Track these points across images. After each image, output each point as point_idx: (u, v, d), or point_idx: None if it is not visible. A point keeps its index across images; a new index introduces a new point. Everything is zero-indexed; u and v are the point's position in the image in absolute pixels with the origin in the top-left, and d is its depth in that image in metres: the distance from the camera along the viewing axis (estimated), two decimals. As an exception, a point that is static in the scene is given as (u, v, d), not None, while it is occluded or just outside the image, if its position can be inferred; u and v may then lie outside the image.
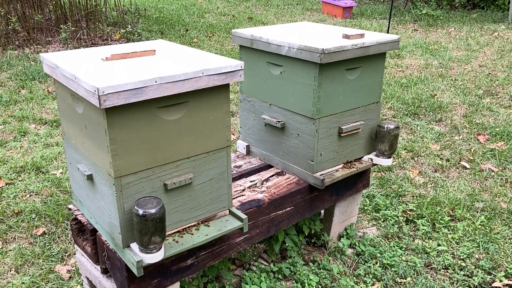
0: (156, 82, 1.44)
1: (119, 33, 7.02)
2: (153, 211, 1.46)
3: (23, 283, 2.31)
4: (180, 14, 9.10)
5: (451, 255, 2.54)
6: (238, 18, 9.03)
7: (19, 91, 4.98)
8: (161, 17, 8.66)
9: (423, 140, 3.92)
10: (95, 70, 1.52)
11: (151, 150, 1.54)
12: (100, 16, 7.47)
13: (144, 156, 1.52)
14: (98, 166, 1.57)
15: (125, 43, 6.76)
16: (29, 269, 2.42)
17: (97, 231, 1.78)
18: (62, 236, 2.67)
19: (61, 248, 2.57)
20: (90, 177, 1.66)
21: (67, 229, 2.72)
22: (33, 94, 4.85)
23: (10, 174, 3.29)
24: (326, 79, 2.01)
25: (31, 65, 5.75)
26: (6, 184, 3.17)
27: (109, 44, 6.77)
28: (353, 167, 2.25)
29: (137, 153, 1.50)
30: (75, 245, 2.03)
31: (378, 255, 2.51)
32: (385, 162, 2.30)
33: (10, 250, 2.55)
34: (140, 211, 1.46)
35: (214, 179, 1.74)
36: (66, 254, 2.53)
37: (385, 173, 3.40)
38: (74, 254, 2.53)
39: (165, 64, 1.60)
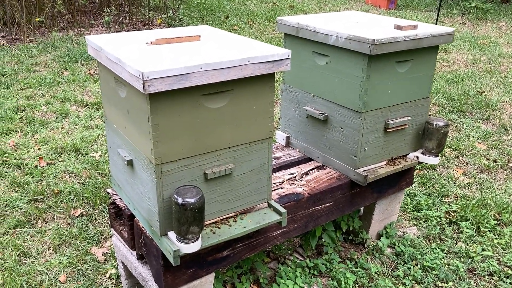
0: (201, 68, 1.39)
1: (161, 18, 7.04)
2: (192, 200, 1.43)
3: (60, 262, 2.35)
4: (221, 0, 9.06)
5: (497, 261, 2.41)
6: (279, 6, 8.91)
7: (62, 72, 5.06)
8: (202, 3, 8.64)
9: (469, 138, 3.75)
10: (140, 54, 1.49)
11: (193, 138, 1.50)
12: (142, 1, 7.51)
13: (185, 144, 1.49)
14: (139, 152, 1.55)
15: (166, 28, 6.78)
16: (66, 250, 2.45)
17: (135, 217, 1.77)
18: (99, 219, 2.69)
19: (97, 230, 2.60)
20: (130, 163, 1.64)
21: (104, 212, 2.74)
22: (75, 76, 4.93)
23: (51, 155, 3.35)
24: (374, 71, 1.92)
25: (74, 48, 5.85)
26: (47, 164, 3.22)
27: (150, 29, 6.81)
28: (398, 164, 2.16)
29: (178, 141, 1.47)
30: (111, 229, 2.03)
31: (419, 256, 2.41)
32: (432, 160, 2.19)
33: (49, 230, 2.59)
34: (180, 200, 1.43)
35: (254, 171, 1.69)
36: (102, 237, 2.56)
37: (427, 171, 3.27)
38: (110, 237, 2.55)
39: (210, 50, 1.56)
